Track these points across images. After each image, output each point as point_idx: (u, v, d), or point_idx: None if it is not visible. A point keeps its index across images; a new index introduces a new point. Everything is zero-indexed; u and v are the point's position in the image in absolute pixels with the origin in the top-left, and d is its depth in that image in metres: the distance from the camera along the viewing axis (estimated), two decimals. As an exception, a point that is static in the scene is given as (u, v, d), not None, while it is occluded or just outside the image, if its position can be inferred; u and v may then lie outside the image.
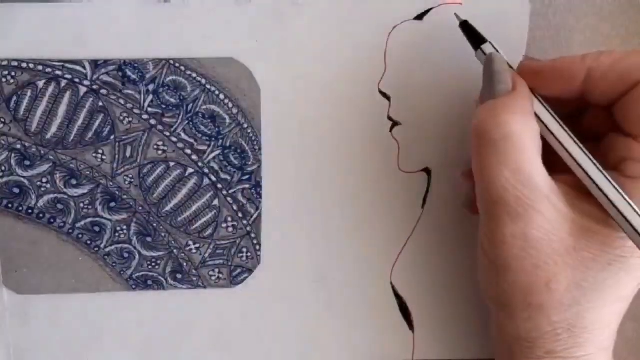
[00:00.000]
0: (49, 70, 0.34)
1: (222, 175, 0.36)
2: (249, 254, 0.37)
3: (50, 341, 0.37)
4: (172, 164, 0.36)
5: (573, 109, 0.31)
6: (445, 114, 0.36)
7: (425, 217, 0.37)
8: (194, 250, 0.37)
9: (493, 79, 0.30)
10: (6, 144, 0.35)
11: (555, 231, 0.28)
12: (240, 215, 0.36)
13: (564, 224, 0.28)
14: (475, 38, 0.32)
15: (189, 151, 0.36)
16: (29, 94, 0.34)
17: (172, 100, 0.35)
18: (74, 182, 0.35)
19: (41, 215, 0.36)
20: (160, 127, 0.35)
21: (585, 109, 0.32)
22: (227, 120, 0.36)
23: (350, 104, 0.36)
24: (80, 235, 0.36)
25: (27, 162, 0.35)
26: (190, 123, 0.35)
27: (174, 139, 0.35)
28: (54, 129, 0.35)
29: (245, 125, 0.36)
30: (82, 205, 0.36)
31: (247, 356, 0.38)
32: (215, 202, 0.36)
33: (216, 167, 0.36)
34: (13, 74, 0.34)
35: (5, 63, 0.34)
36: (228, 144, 0.36)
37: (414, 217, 0.37)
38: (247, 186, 0.36)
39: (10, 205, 0.35)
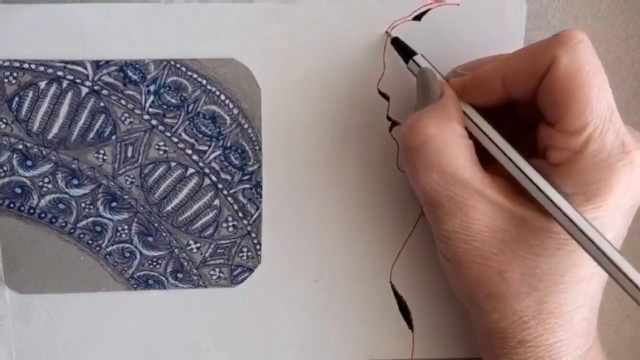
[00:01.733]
0: (50, 70, 0.34)
1: (223, 175, 0.36)
2: (249, 254, 0.37)
3: (51, 340, 0.37)
4: (173, 164, 0.36)
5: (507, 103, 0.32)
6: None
7: (425, 217, 0.37)
8: (195, 250, 0.37)
9: (423, 91, 0.32)
10: (8, 144, 0.35)
11: (496, 224, 0.29)
12: (240, 215, 0.37)
13: (503, 216, 0.29)
14: (405, 52, 0.34)
15: (189, 151, 0.36)
16: (30, 94, 0.35)
17: (173, 100, 0.35)
18: (75, 182, 0.36)
19: (43, 215, 0.36)
20: (161, 128, 0.35)
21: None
22: (228, 121, 0.36)
23: (349, 104, 0.36)
24: (81, 235, 0.36)
25: (29, 162, 0.35)
26: (191, 123, 0.36)
27: (175, 140, 0.36)
28: (55, 129, 0.35)
29: (246, 126, 0.36)
30: (83, 205, 0.36)
31: (247, 356, 0.38)
32: (216, 202, 0.36)
33: (217, 167, 0.36)
34: (15, 74, 0.34)
35: (7, 64, 0.34)
36: (229, 144, 0.36)
37: (413, 217, 0.37)
38: (248, 186, 0.36)
39: (12, 205, 0.35)
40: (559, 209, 0.28)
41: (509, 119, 0.32)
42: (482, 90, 0.31)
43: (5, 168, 0.35)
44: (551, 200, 0.28)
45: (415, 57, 0.33)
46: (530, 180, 0.29)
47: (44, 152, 0.35)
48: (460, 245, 0.30)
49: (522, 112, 0.32)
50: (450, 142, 0.29)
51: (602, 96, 0.28)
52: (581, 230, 0.28)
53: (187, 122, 0.35)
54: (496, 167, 0.30)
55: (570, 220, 0.28)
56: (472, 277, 0.30)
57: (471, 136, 0.31)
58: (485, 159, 0.30)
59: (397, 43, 0.35)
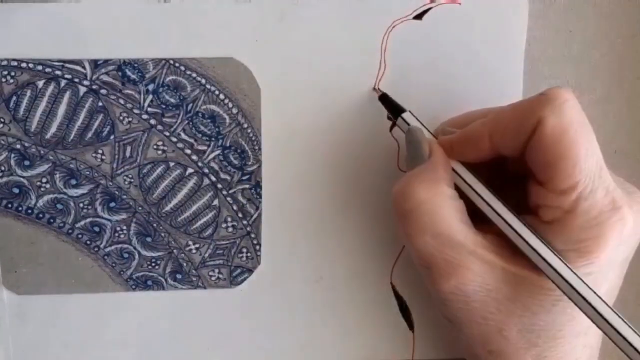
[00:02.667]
0: (48, 70, 0.34)
1: (222, 175, 0.36)
2: (248, 254, 0.37)
3: (49, 341, 0.37)
4: (171, 164, 0.36)
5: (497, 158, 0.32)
6: (445, 114, 0.36)
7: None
8: (194, 251, 0.37)
9: (412, 150, 0.32)
10: (6, 143, 0.35)
11: (490, 282, 0.30)
12: (240, 215, 0.36)
13: (497, 275, 0.30)
14: (394, 108, 0.34)
15: (188, 151, 0.36)
16: (28, 93, 0.34)
17: (172, 100, 0.35)
18: (73, 182, 0.35)
19: (41, 215, 0.36)
20: (160, 127, 0.35)
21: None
22: (227, 120, 0.35)
23: (350, 104, 0.36)
24: (79, 236, 0.36)
25: (27, 162, 0.35)
26: (190, 123, 0.35)
27: (174, 139, 0.35)
28: (53, 128, 0.35)
29: (245, 125, 0.36)
30: (81, 205, 0.36)
31: (247, 356, 0.38)
32: (215, 202, 0.36)
33: (216, 167, 0.36)
34: (13, 73, 0.34)
35: (4, 63, 0.34)
36: (228, 144, 0.36)
37: (414, 217, 0.37)
38: (247, 186, 0.36)
39: (9, 205, 0.35)
40: (553, 267, 0.28)
41: (498, 172, 0.32)
42: (470, 148, 0.31)
43: (2, 168, 0.35)
44: (544, 259, 0.29)
45: (403, 115, 0.33)
46: (523, 238, 0.29)
47: (42, 151, 0.35)
48: (458, 306, 0.30)
49: (511, 165, 0.32)
50: (441, 205, 0.30)
51: (591, 154, 0.28)
52: (575, 289, 0.28)
53: (186, 122, 0.35)
54: (488, 224, 0.30)
55: (564, 278, 0.28)
56: (473, 336, 0.31)
57: (462, 194, 0.31)
58: (477, 216, 0.31)
59: (385, 99, 0.35)
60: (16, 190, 0.35)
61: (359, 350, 0.39)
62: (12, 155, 0.35)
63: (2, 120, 0.34)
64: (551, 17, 0.37)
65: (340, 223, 0.37)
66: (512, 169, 0.32)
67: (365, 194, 0.37)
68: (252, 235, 0.37)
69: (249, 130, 0.36)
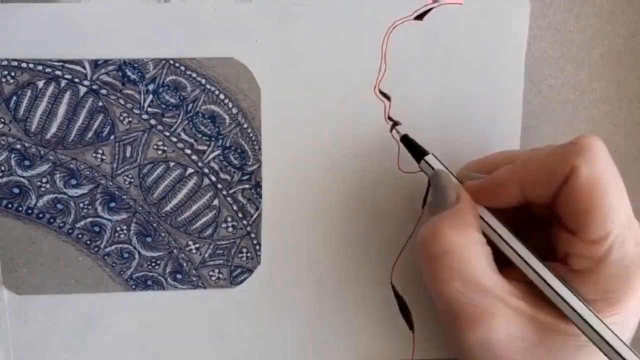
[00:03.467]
0: (48, 70, 0.34)
1: (222, 175, 0.36)
2: (248, 254, 0.37)
3: (49, 341, 0.37)
4: (172, 164, 0.36)
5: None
6: (446, 114, 0.36)
7: (425, 217, 0.37)
8: (194, 251, 0.37)
9: (438, 194, 0.32)
10: (6, 144, 0.35)
11: (517, 330, 0.29)
12: (240, 215, 0.36)
13: (524, 321, 0.29)
14: (416, 150, 0.34)
15: (188, 151, 0.36)
16: (28, 93, 0.34)
17: (172, 100, 0.35)
18: (73, 182, 0.35)
19: (41, 215, 0.36)
20: (160, 127, 0.35)
21: None
22: (227, 120, 0.35)
23: (350, 104, 0.36)
24: (80, 236, 0.36)
25: (27, 162, 0.35)
26: (190, 123, 0.35)
27: (174, 139, 0.35)
28: (53, 129, 0.35)
29: (245, 125, 0.36)
30: (81, 205, 0.36)
31: (247, 356, 0.38)
32: (215, 202, 0.36)
33: (216, 167, 0.36)
34: (13, 73, 0.34)
35: (5, 63, 0.34)
36: (228, 144, 0.36)
37: (414, 217, 0.37)
38: (247, 186, 0.36)
39: (10, 205, 0.35)
40: (581, 316, 0.28)
41: (522, 214, 0.32)
42: (498, 195, 0.31)
43: (3, 168, 0.35)
44: (573, 308, 0.28)
45: (426, 157, 0.33)
46: (552, 287, 0.29)
47: (42, 151, 0.35)
48: (483, 354, 0.29)
49: (537, 210, 0.32)
50: (470, 251, 0.29)
51: (622, 204, 0.28)
52: (603, 338, 0.28)
53: (186, 122, 0.35)
54: (513, 270, 0.30)
55: (593, 328, 0.28)
56: None
57: (489, 240, 0.31)
58: (502, 261, 0.30)
59: (407, 141, 0.34)
60: (16, 190, 0.35)
61: (359, 350, 0.39)
62: (13, 155, 0.35)
63: (2, 120, 0.34)
64: (551, 17, 0.37)
65: (340, 223, 0.37)
66: (537, 213, 0.32)
67: (365, 194, 0.37)
68: (252, 235, 0.37)
69: (249, 130, 0.36)
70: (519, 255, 0.30)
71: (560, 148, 0.29)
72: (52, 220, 0.36)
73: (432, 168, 0.33)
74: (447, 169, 0.33)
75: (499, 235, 0.31)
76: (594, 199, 0.28)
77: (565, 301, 0.29)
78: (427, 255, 0.30)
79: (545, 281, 0.29)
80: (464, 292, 0.29)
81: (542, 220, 0.32)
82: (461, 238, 0.29)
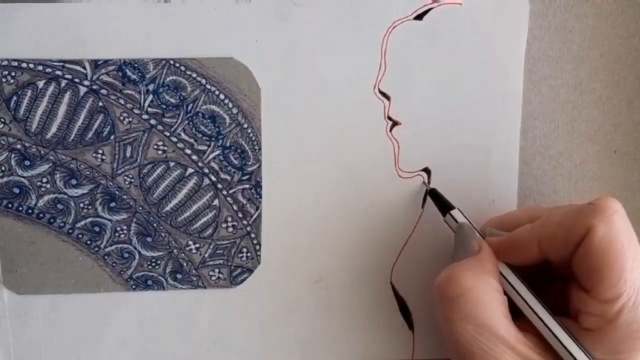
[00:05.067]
0: (49, 70, 0.34)
1: (222, 175, 0.36)
2: (249, 254, 0.37)
3: (49, 341, 0.37)
4: (172, 164, 0.36)
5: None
6: (445, 114, 0.36)
7: (425, 217, 0.37)
8: (194, 250, 0.37)
9: (461, 245, 0.33)
10: (6, 144, 0.35)
11: None
12: (240, 215, 0.36)
13: None
14: (443, 204, 0.35)
15: (189, 151, 0.36)
16: (29, 94, 0.34)
17: (172, 100, 0.35)
18: (74, 182, 0.35)
19: (41, 215, 0.36)
20: (160, 127, 0.35)
21: None
22: (227, 120, 0.35)
23: (350, 104, 0.36)
24: (80, 235, 0.36)
25: (27, 162, 0.35)
26: (190, 123, 0.35)
27: (174, 139, 0.35)
28: (54, 129, 0.35)
29: (245, 125, 0.36)
30: (82, 205, 0.36)
31: (247, 356, 0.38)
32: (215, 202, 0.36)
33: (216, 167, 0.36)
34: (13, 74, 0.34)
35: (5, 63, 0.34)
36: (228, 144, 0.36)
37: (414, 217, 0.37)
38: (247, 186, 0.36)
39: (10, 205, 0.35)
40: None
41: (540, 270, 0.33)
42: (518, 252, 0.32)
43: (3, 168, 0.35)
44: None
45: (452, 212, 0.34)
46: (562, 344, 0.30)
47: (42, 151, 0.35)
48: None
49: (554, 266, 0.32)
50: (486, 296, 0.30)
51: (636, 267, 0.29)
52: None
53: (186, 122, 0.35)
54: (527, 321, 0.31)
55: None
56: None
57: (505, 292, 0.31)
58: (517, 311, 0.31)
59: (435, 195, 0.36)
60: (16, 190, 0.35)
61: (359, 350, 0.39)
62: (13, 155, 0.35)
63: (2, 120, 0.35)
64: (551, 17, 0.37)
65: (340, 223, 0.37)
66: (555, 270, 0.32)
67: (365, 194, 0.37)
68: (252, 235, 0.37)
69: (249, 130, 0.36)
70: (533, 311, 0.31)
71: (577, 208, 0.30)
72: (52, 220, 0.36)
73: (456, 221, 0.34)
74: (471, 223, 0.34)
75: (516, 291, 0.32)
76: (609, 259, 0.29)
77: (575, 358, 0.29)
78: (444, 297, 0.31)
79: (556, 337, 0.30)
80: (476, 336, 0.30)
81: (559, 275, 0.32)
82: (478, 283, 0.30)
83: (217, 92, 0.35)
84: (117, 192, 0.36)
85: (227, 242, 0.37)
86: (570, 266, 0.30)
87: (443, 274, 0.31)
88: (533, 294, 0.31)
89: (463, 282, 0.30)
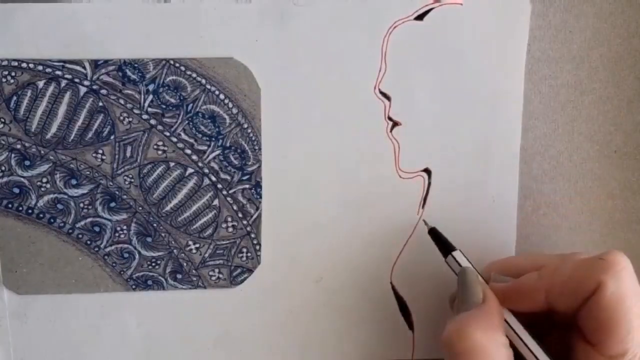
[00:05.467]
0: (49, 70, 0.34)
1: (222, 175, 0.36)
2: (249, 254, 0.37)
3: (50, 341, 0.37)
4: (172, 164, 0.36)
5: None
6: (445, 114, 0.36)
7: (425, 217, 0.37)
8: (194, 250, 0.37)
9: (465, 291, 0.33)
10: (6, 144, 0.35)
11: None
12: (240, 215, 0.36)
13: None
14: (444, 245, 0.35)
15: (189, 151, 0.36)
16: (29, 94, 0.34)
17: (172, 100, 0.35)
18: (74, 182, 0.35)
19: (41, 215, 0.36)
20: (160, 127, 0.35)
21: None
22: (227, 120, 0.35)
23: (350, 104, 0.36)
24: (80, 235, 0.36)
25: (27, 162, 0.35)
26: (190, 123, 0.35)
27: (174, 139, 0.35)
28: (54, 129, 0.35)
29: (245, 125, 0.36)
30: (82, 205, 0.36)
31: (247, 356, 0.38)
32: (215, 202, 0.36)
33: (216, 167, 0.36)
34: (13, 74, 0.34)
35: (5, 63, 0.34)
36: (228, 144, 0.36)
37: (414, 217, 0.37)
38: (247, 186, 0.36)
39: (10, 205, 0.35)
40: None
41: (544, 317, 0.33)
42: (524, 300, 0.32)
43: (3, 168, 0.35)
44: None
45: (454, 253, 0.34)
46: None
47: (42, 151, 0.35)
48: None
49: (560, 317, 0.33)
50: (494, 353, 0.30)
51: None
52: None
53: (186, 122, 0.35)
54: None
55: None
56: None
57: (510, 342, 0.32)
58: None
59: (435, 235, 0.36)
60: (16, 190, 0.35)
61: (359, 350, 0.39)
62: (13, 155, 0.35)
63: (2, 120, 0.35)
64: (551, 17, 0.37)
65: (340, 223, 0.37)
66: (558, 318, 0.33)
67: (365, 194, 0.37)
68: (252, 235, 0.37)
69: (249, 130, 0.36)
70: None
71: (587, 262, 0.31)
72: (52, 220, 0.36)
73: (459, 265, 0.34)
74: (473, 266, 0.34)
75: (521, 340, 0.32)
76: (617, 316, 0.29)
77: None
78: (452, 352, 0.31)
79: None
80: None
81: (560, 323, 0.33)
82: (487, 339, 0.30)
83: (217, 92, 0.35)
84: (117, 192, 0.36)
85: (227, 242, 0.37)
86: (575, 318, 0.31)
87: (451, 326, 0.31)
88: (537, 343, 0.31)
89: (473, 340, 0.30)
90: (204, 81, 0.35)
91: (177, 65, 0.35)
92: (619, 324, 0.29)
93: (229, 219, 0.36)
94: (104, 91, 0.35)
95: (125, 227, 0.36)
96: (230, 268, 0.37)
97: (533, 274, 0.32)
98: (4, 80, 0.34)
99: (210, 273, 0.37)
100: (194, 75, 0.35)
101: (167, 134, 0.35)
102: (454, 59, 0.36)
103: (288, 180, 0.36)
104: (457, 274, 0.34)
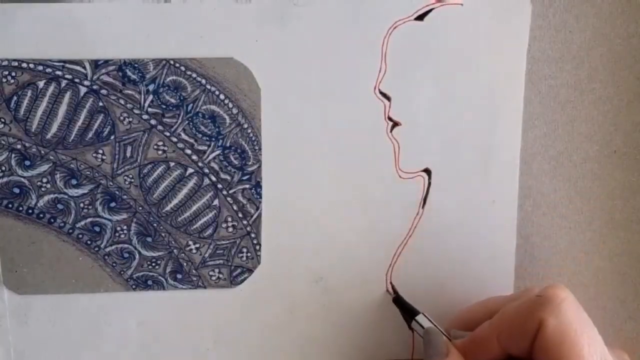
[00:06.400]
0: (49, 70, 0.34)
1: (222, 175, 0.36)
2: (249, 254, 0.37)
3: (50, 341, 0.37)
4: (172, 164, 0.36)
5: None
6: (445, 114, 0.36)
7: (425, 217, 0.37)
8: (194, 250, 0.37)
9: (430, 349, 0.34)
10: (6, 144, 0.35)
11: None
12: (240, 215, 0.36)
13: None
14: (408, 311, 0.36)
15: (189, 151, 0.36)
16: (29, 94, 0.34)
17: (172, 100, 0.35)
18: (74, 182, 0.35)
19: (41, 215, 0.36)
20: (160, 127, 0.35)
21: None
22: (227, 120, 0.35)
23: (350, 105, 0.36)
24: (80, 235, 0.36)
25: (27, 162, 0.35)
26: (191, 123, 0.35)
27: (174, 139, 0.35)
28: (54, 129, 0.35)
29: (245, 125, 0.36)
30: (82, 205, 0.36)
31: (247, 356, 0.38)
32: (215, 202, 0.36)
33: (216, 167, 0.36)
34: (13, 74, 0.34)
35: (5, 63, 0.34)
36: (228, 144, 0.36)
37: (414, 217, 0.37)
38: (247, 186, 0.36)
39: (10, 206, 0.35)
40: None
41: None
42: (481, 350, 0.33)
43: (3, 168, 0.35)
44: None
45: (417, 317, 0.36)
46: None
47: (43, 151, 0.35)
48: None
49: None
50: None
51: (594, 351, 0.29)
52: None
53: (187, 122, 0.35)
54: None
55: None
56: None
57: None
58: None
59: (399, 302, 0.37)
60: (17, 190, 0.35)
61: (359, 350, 0.39)
62: (13, 155, 0.35)
63: (2, 120, 0.35)
64: (551, 17, 0.37)
65: (340, 223, 0.37)
66: None
67: (364, 194, 0.37)
68: (252, 235, 0.37)
69: (249, 130, 0.36)
70: None
71: (527, 302, 0.31)
72: (52, 220, 0.36)
73: (422, 327, 0.35)
74: (436, 326, 0.35)
75: None
76: (564, 350, 0.29)
77: None
78: None
79: None
80: None
81: None
82: None
83: (217, 92, 0.35)
84: (117, 192, 0.36)
85: (227, 242, 0.37)
86: (532, 359, 0.31)
87: None
88: None
89: None
90: (204, 81, 0.35)
91: (177, 65, 0.35)
92: (570, 356, 0.29)
93: (229, 219, 0.36)
94: (104, 91, 0.35)
95: (125, 227, 0.36)
96: (230, 268, 0.37)
97: (485, 323, 0.33)
98: (4, 80, 0.34)
99: (210, 273, 0.37)
100: (194, 75, 0.35)
101: (167, 134, 0.35)
102: (454, 59, 0.36)
103: (288, 180, 0.36)
104: (422, 336, 0.35)
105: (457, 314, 0.37)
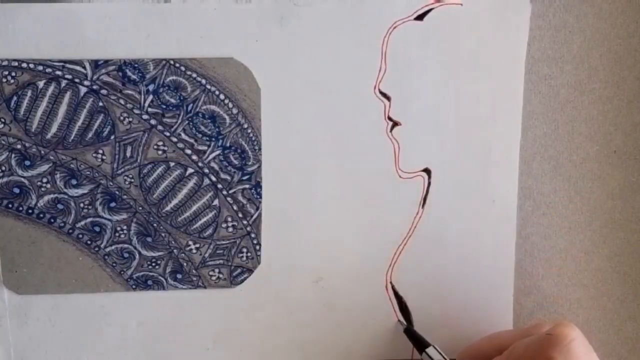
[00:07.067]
0: (49, 70, 0.34)
1: (222, 175, 0.36)
2: (249, 254, 0.37)
3: (50, 341, 0.37)
4: (172, 164, 0.36)
5: None
6: (445, 114, 0.36)
7: (425, 217, 0.37)
8: (194, 250, 0.37)
9: None
10: (6, 144, 0.35)
11: None
12: (240, 215, 0.36)
13: None
14: (419, 343, 0.37)
15: (189, 151, 0.36)
16: (29, 94, 0.34)
17: (172, 100, 0.35)
18: (74, 182, 0.35)
19: (41, 215, 0.36)
20: (160, 127, 0.35)
21: None
22: (227, 121, 0.36)
23: (350, 104, 0.36)
24: (80, 235, 0.36)
25: (27, 162, 0.35)
26: (191, 123, 0.35)
27: (174, 139, 0.35)
28: (54, 129, 0.35)
29: (245, 126, 0.36)
30: (82, 205, 0.36)
31: (247, 356, 0.38)
32: (215, 202, 0.36)
33: (216, 167, 0.36)
34: (13, 74, 0.34)
35: (5, 63, 0.34)
36: (228, 144, 0.36)
37: (414, 217, 0.37)
38: (247, 186, 0.36)
39: (10, 205, 0.35)
40: None
41: None
42: None
43: (3, 168, 0.35)
44: None
45: (427, 350, 0.36)
46: None
47: (43, 151, 0.35)
48: None
49: None
50: None
51: None
52: None
53: (187, 122, 0.35)
54: None
55: None
56: None
57: None
58: None
59: (410, 333, 0.37)
60: (17, 190, 0.35)
61: (358, 350, 0.39)
62: (13, 155, 0.35)
63: (2, 120, 0.35)
64: (551, 17, 0.37)
65: (340, 223, 0.37)
66: None
67: (364, 194, 0.37)
68: (252, 235, 0.37)
69: (249, 131, 0.36)
70: None
71: (537, 340, 0.32)
72: (52, 220, 0.36)
73: (432, 359, 0.36)
74: (446, 358, 0.35)
75: None
76: None
77: None
78: None
79: None
80: None
81: None
82: None
83: (217, 92, 0.35)
84: (117, 192, 0.36)
85: (227, 242, 0.37)
86: None
87: None
88: None
89: None
90: (204, 81, 0.35)
91: (177, 65, 0.35)
92: None
93: (229, 219, 0.36)
94: (104, 91, 0.35)
95: (125, 227, 0.36)
96: (230, 268, 0.37)
97: (495, 359, 0.33)
98: (4, 80, 0.34)
99: (211, 273, 0.37)
100: (194, 75, 0.35)
101: (167, 134, 0.35)
102: (453, 59, 0.36)
103: (288, 180, 0.36)
104: None
105: (466, 348, 0.37)
